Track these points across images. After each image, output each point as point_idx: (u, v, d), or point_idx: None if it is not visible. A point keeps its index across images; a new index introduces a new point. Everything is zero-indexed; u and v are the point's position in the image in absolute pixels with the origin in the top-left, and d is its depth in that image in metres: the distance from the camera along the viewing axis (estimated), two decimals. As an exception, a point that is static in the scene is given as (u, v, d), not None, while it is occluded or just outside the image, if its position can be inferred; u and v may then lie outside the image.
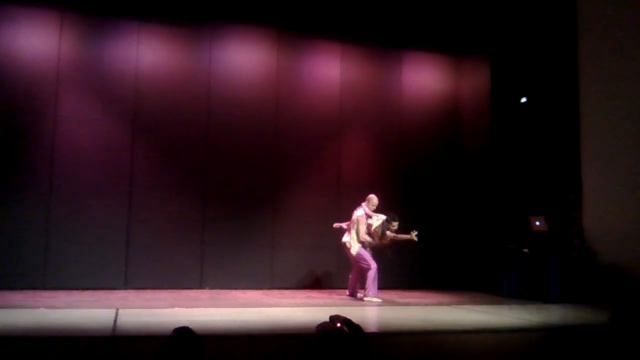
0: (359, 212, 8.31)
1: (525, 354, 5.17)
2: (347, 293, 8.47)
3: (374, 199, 8.38)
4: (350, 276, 8.50)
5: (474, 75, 10.75)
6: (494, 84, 10.34)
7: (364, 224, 8.20)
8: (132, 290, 8.44)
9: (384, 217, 8.22)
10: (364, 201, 8.41)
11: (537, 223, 8.62)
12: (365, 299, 8.02)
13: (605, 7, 8.44)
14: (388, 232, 8.18)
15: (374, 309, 7.39)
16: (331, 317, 3.35)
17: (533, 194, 9.61)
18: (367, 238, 8.16)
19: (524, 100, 10.09)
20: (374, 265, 8.09)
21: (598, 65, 8.49)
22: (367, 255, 8.15)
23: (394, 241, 8.27)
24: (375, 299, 7.97)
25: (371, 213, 8.29)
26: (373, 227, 8.21)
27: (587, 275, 8.01)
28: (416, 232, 8.05)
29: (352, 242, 8.21)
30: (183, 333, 2.85)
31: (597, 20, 8.54)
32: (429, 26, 10.43)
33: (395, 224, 8.17)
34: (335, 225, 8.59)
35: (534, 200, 9.48)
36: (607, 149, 8.26)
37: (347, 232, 8.37)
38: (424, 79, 10.73)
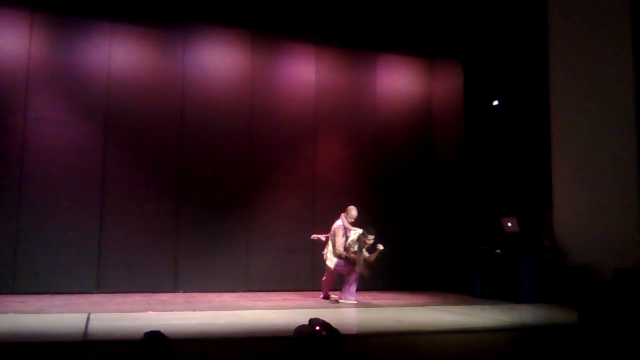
0: (337, 224, 8.26)
1: (498, 354, 5.22)
2: (322, 296, 8.46)
3: (352, 210, 8.28)
4: (323, 279, 8.49)
5: (447, 78, 10.86)
6: (466, 87, 10.48)
7: (340, 236, 8.11)
8: (104, 294, 8.33)
9: (360, 231, 8.12)
10: (343, 211, 8.36)
11: (509, 224, 8.74)
12: (340, 300, 8.04)
13: (574, 12, 8.59)
14: (365, 252, 8.05)
15: (348, 311, 7.40)
16: (310, 320, 3.36)
17: (505, 196, 9.75)
18: (343, 252, 8.04)
19: (495, 103, 10.24)
20: (353, 271, 8.05)
21: (568, 68, 8.64)
22: (342, 265, 8.10)
23: (368, 262, 8.11)
24: (349, 302, 7.98)
25: (349, 226, 8.21)
26: (349, 241, 8.12)
27: (558, 275, 8.14)
28: (381, 246, 8.02)
29: (329, 254, 8.19)
30: (153, 337, 2.81)
31: (566, 24, 8.70)
32: (402, 29, 10.51)
33: (371, 238, 8.01)
34: (313, 236, 8.53)
35: (506, 202, 9.61)
36: (577, 150, 8.41)
37: (327, 245, 8.33)
38: (397, 82, 10.81)
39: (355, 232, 8.14)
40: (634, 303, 6.56)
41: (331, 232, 8.25)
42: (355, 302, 7.99)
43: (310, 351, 2.61)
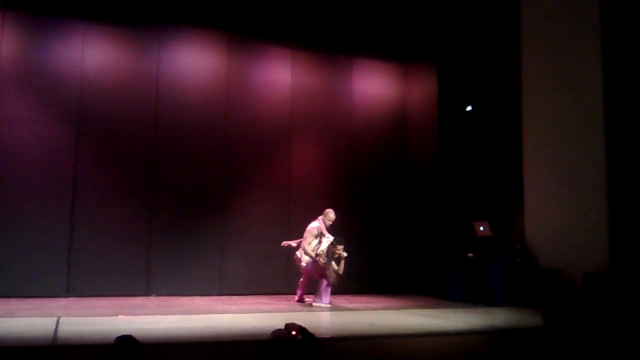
0: (313, 224, 8.28)
1: (470, 357, 5.28)
2: (296, 299, 8.46)
3: (330, 213, 8.32)
4: (300, 281, 8.49)
5: (421, 83, 10.98)
6: (440, 92, 10.61)
7: (314, 236, 8.14)
8: (74, 298, 8.20)
9: (332, 239, 8.13)
10: (319, 214, 8.39)
11: (481, 228, 8.85)
12: (314, 304, 8.04)
13: (546, 18, 8.76)
14: (334, 264, 8.03)
15: (322, 315, 7.41)
16: (286, 325, 3.35)
17: (478, 200, 9.87)
18: (311, 254, 8.05)
19: (469, 108, 10.37)
20: (325, 273, 8.08)
21: (539, 75, 8.80)
22: (315, 265, 8.13)
23: (338, 274, 8.10)
24: (323, 305, 8.00)
25: (325, 231, 8.24)
26: (320, 248, 8.10)
27: (529, 279, 8.26)
28: (345, 254, 8.03)
29: (301, 254, 8.21)
30: (125, 341, 2.78)
31: (539, 32, 8.86)
32: (377, 34, 10.58)
33: (340, 248, 8.00)
34: (284, 243, 8.52)
35: (478, 206, 9.73)
36: (547, 155, 8.55)
37: (299, 248, 8.33)
38: (373, 86, 10.87)
39: (327, 240, 8.13)
40: (601, 306, 6.69)
41: (306, 232, 8.25)
42: (329, 305, 8.00)
43: (285, 355, 2.60)
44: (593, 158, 7.86)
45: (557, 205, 8.30)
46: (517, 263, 8.42)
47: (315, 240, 8.15)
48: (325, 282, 8.06)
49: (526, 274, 8.31)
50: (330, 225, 8.30)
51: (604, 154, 7.74)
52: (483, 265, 8.49)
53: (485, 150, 10.07)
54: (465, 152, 10.36)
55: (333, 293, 8.30)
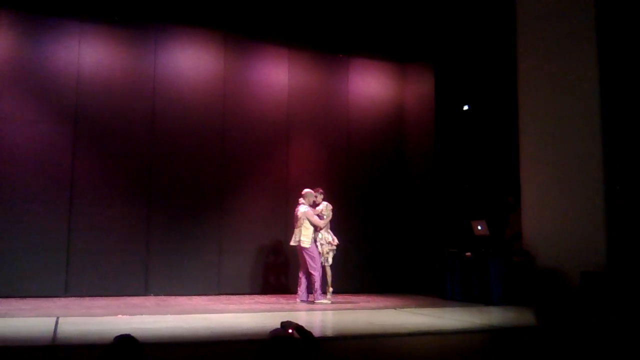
0: (303, 209, 8.40)
1: (468, 356, 5.30)
2: (299, 294, 8.45)
3: (310, 193, 8.54)
4: (300, 276, 8.49)
5: (418, 83, 10.99)
6: (437, 91, 10.62)
7: (313, 215, 8.34)
8: (73, 298, 8.21)
9: (325, 203, 8.49)
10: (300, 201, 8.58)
11: (479, 227, 8.86)
12: (316, 301, 8.13)
13: (542, 17, 8.77)
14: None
15: (320, 314, 7.42)
16: (282, 324, 3.34)
17: (475, 199, 9.89)
18: (321, 223, 8.33)
19: (466, 108, 10.39)
20: (319, 268, 8.25)
21: (536, 74, 8.81)
22: (316, 253, 8.27)
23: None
24: (325, 301, 8.11)
25: (314, 208, 8.47)
26: (326, 219, 8.40)
27: (526, 277, 8.28)
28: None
29: (303, 237, 8.27)
30: (124, 341, 2.79)
31: (535, 31, 8.87)
32: (374, 33, 10.60)
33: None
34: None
35: (476, 205, 9.75)
36: (545, 154, 8.57)
37: (294, 235, 8.42)
38: (370, 86, 10.89)
39: (325, 206, 8.46)
40: (599, 305, 6.72)
41: (300, 216, 8.36)
42: (330, 302, 8.05)
43: (283, 354, 2.60)
44: (590, 157, 7.88)
45: (554, 204, 8.32)
46: (515, 262, 8.43)
47: (316, 217, 8.36)
48: (318, 279, 8.20)
49: (524, 273, 8.33)
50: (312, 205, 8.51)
51: (601, 153, 7.76)
52: (481, 264, 8.50)
53: (482, 149, 10.09)
54: (462, 151, 10.37)
55: (333, 292, 8.39)
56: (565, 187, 8.21)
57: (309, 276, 8.39)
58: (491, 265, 8.35)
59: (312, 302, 8.17)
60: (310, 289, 8.37)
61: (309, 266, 8.29)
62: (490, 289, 8.27)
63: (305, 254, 8.32)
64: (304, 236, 8.28)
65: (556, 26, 8.52)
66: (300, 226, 8.35)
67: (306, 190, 8.59)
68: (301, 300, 8.38)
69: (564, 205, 8.18)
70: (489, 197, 9.78)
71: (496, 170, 9.80)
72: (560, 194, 8.28)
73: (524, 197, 8.85)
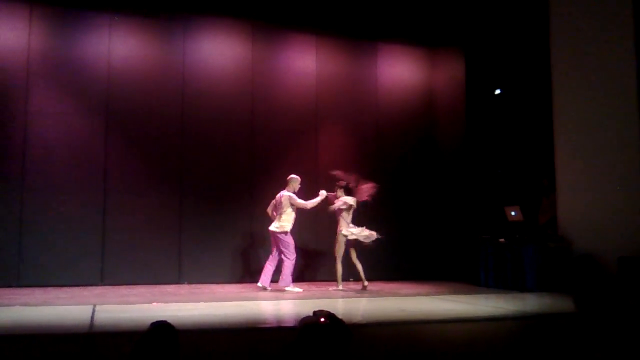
0: (287, 193, 8.34)
1: (502, 343, 5.24)
2: (260, 283, 8.21)
3: (295, 179, 8.46)
4: (267, 264, 8.33)
5: (448, 68, 10.83)
6: (468, 76, 10.45)
7: (296, 198, 8.32)
8: (108, 287, 8.35)
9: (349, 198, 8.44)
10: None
11: (513, 213, 8.73)
12: (286, 289, 8.05)
13: (576, 0, 8.55)
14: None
15: (352, 301, 7.42)
16: (315, 312, 3.34)
17: (508, 185, 9.74)
18: (308, 204, 8.38)
19: (497, 92, 10.20)
20: (294, 256, 8.18)
21: (570, 57, 8.60)
22: (291, 240, 8.22)
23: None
24: (296, 289, 8.06)
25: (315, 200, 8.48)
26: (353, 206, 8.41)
27: (562, 264, 8.14)
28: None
29: (284, 222, 8.19)
30: (160, 327, 2.82)
31: (569, 13, 8.65)
32: (403, 18, 10.46)
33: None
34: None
35: (509, 191, 9.60)
36: (580, 138, 8.38)
37: (275, 220, 8.33)
38: (399, 71, 10.77)
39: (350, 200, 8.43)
40: (638, 291, 6.56)
41: (283, 201, 8.30)
42: (300, 290, 8.06)
43: (316, 341, 2.60)
44: (627, 140, 7.68)
45: (590, 188, 8.14)
46: (550, 248, 8.29)
47: (301, 201, 8.36)
48: (290, 265, 8.12)
49: (559, 258, 8.18)
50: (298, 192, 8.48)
51: (639, 136, 7.56)
52: (515, 251, 8.38)
53: (515, 134, 9.91)
54: (494, 137, 10.20)
55: (354, 279, 8.40)
56: (601, 171, 8.02)
57: (280, 263, 8.26)
58: (525, 251, 8.23)
59: (283, 290, 8.03)
60: (275, 277, 8.22)
61: (282, 253, 8.17)
62: (525, 275, 8.15)
63: (280, 240, 8.17)
64: (284, 221, 8.20)
65: (592, 9, 8.28)
66: (282, 212, 8.27)
67: (292, 175, 8.50)
68: (264, 287, 8.16)
69: (600, 189, 8.00)
70: (522, 182, 9.61)
71: (529, 156, 9.62)
72: (596, 179, 8.09)
73: (558, 182, 8.68)
